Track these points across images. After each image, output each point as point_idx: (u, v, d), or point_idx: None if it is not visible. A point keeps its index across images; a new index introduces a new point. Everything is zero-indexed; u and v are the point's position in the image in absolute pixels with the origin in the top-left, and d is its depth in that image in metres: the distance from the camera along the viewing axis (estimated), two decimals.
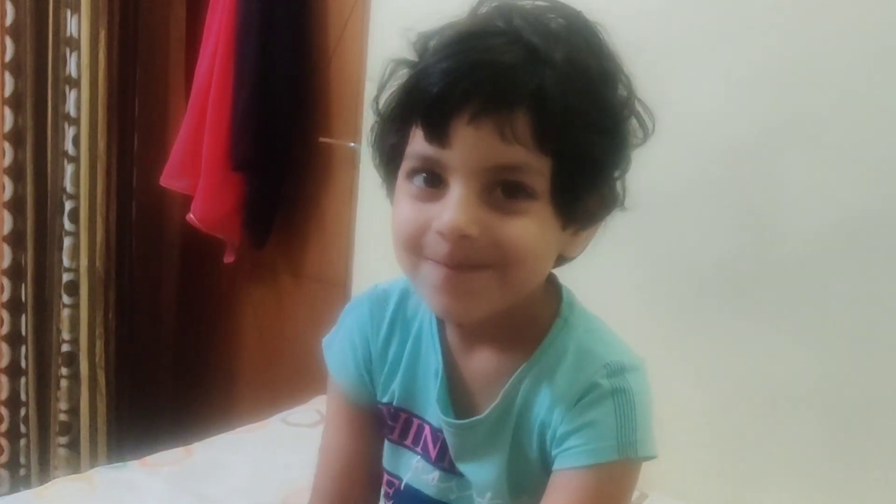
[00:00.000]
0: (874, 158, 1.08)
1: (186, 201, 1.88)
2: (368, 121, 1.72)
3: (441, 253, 0.61)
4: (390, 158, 0.67)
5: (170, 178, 1.89)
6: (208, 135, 1.81)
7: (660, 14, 1.22)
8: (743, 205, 1.20)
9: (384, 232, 1.80)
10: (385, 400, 0.75)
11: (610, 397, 0.64)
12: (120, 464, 1.27)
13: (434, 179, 0.61)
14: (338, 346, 0.78)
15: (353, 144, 1.75)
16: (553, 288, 0.71)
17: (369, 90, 1.56)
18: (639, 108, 0.65)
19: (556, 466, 0.66)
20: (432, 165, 0.61)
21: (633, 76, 0.64)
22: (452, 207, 0.59)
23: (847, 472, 1.14)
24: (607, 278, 1.20)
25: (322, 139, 1.81)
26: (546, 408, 0.66)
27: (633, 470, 0.66)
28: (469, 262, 0.61)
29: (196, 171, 1.84)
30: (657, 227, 1.26)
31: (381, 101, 0.66)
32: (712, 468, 1.25)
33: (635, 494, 1.22)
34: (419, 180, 0.62)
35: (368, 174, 1.63)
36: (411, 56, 0.64)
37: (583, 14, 0.63)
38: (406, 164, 0.63)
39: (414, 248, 0.63)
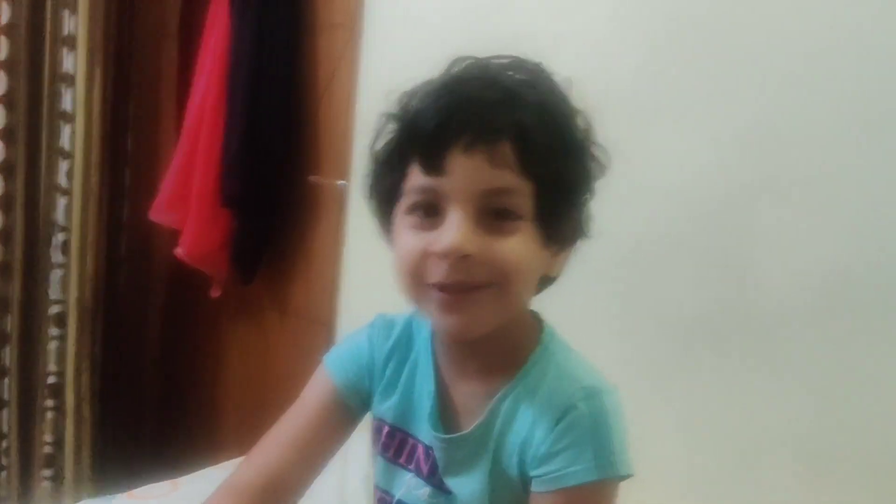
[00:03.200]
0: (846, 216, 1.12)
1: (174, 236, 1.91)
2: (358, 160, 1.78)
3: (442, 275, 0.67)
4: (388, 199, 0.73)
5: (159, 213, 1.92)
6: (198, 171, 1.85)
7: (642, 76, 1.28)
8: (722, 258, 1.24)
9: (371, 271, 1.83)
10: (380, 417, 0.81)
11: (586, 420, 0.69)
12: (107, 496, 1.28)
13: (431, 209, 0.68)
14: (342, 351, 0.84)
15: (341, 183, 1.79)
16: (536, 320, 0.78)
17: (360, 129, 1.63)
18: (596, 145, 0.73)
19: (535, 489, 0.70)
20: (430, 196, 0.68)
21: (589, 116, 0.73)
22: (451, 230, 0.66)
23: None
24: (591, 326, 1.23)
25: (311, 178, 1.85)
26: (527, 428, 0.71)
27: (611, 489, 0.70)
28: (468, 281, 0.67)
29: (185, 206, 1.87)
30: (639, 279, 1.30)
31: (376, 149, 0.74)
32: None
33: None
34: (418, 212, 0.69)
35: (357, 213, 1.68)
36: (396, 110, 0.72)
37: (542, 65, 0.73)
38: (406, 200, 0.70)
39: (416, 274, 0.69)
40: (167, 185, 1.91)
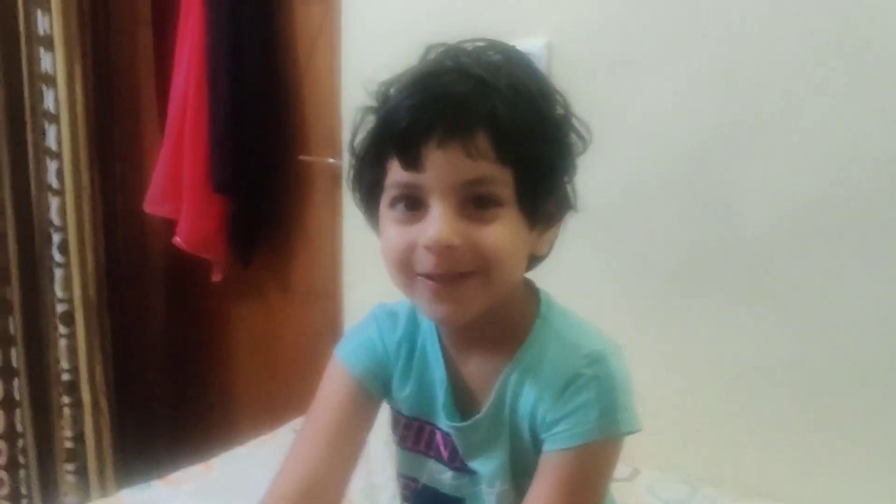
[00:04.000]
0: (821, 150, 1.18)
1: (170, 225, 1.92)
2: (346, 137, 1.79)
3: (430, 266, 0.68)
4: (371, 193, 0.75)
5: (153, 204, 1.92)
6: (187, 159, 1.85)
7: (620, 27, 1.31)
8: (704, 197, 1.29)
9: (371, 242, 1.88)
10: (396, 408, 0.83)
11: (592, 383, 0.71)
12: (144, 485, 1.32)
13: (414, 203, 0.69)
14: (355, 344, 0.84)
15: (332, 160, 1.81)
16: (531, 291, 0.80)
17: (346, 106, 1.64)
18: (575, 121, 0.74)
19: (544, 449, 0.74)
20: (411, 190, 0.69)
21: (566, 94, 0.74)
22: (435, 223, 0.67)
23: (818, 438, 1.24)
24: (580, 273, 1.27)
25: (301, 157, 1.87)
26: (533, 399, 0.74)
27: (614, 446, 0.73)
28: (455, 270, 0.68)
29: (178, 195, 1.87)
30: (625, 223, 1.35)
31: (357, 145, 0.75)
32: (694, 441, 1.35)
33: (628, 471, 1.34)
34: (401, 206, 0.70)
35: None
36: (375, 103, 0.73)
37: (516, 48, 0.73)
38: (388, 195, 0.72)
39: (405, 267, 0.70)
40: (158, 175, 1.91)
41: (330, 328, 1.88)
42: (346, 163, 1.66)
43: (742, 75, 1.23)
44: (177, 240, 1.88)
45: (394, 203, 0.71)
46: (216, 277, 1.98)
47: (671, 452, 1.34)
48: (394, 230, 0.71)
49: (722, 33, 1.24)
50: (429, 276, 0.69)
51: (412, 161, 0.68)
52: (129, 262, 2.08)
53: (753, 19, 1.22)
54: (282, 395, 1.98)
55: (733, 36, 1.24)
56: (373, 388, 0.82)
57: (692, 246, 1.31)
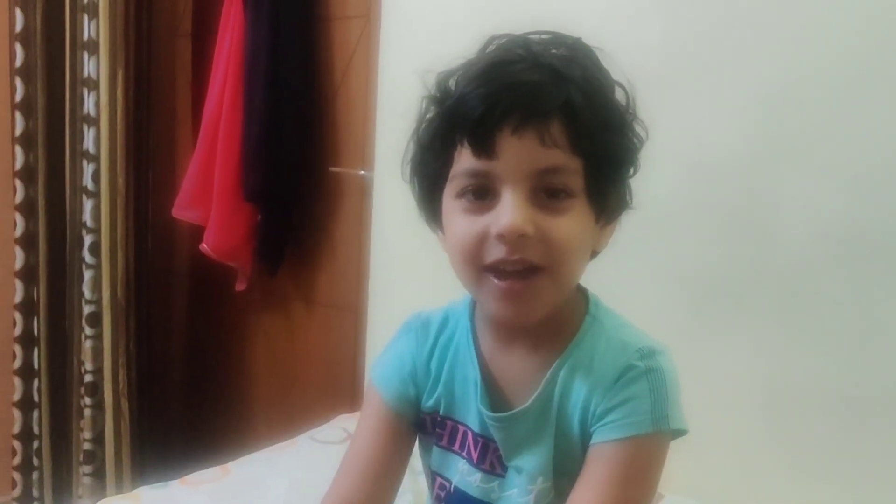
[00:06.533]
0: (855, 172, 1.18)
1: (197, 231, 1.94)
2: (379, 150, 1.80)
3: (501, 254, 0.68)
4: (433, 184, 0.74)
5: (181, 210, 1.95)
6: (219, 166, 1.87)
7: (664, 45, 1.33)
8: (740, 217, 1.29)
9: (397, 257, 1.87)
10: (430, 408, 0.82)
11: (644, 376, 0.71)
12: (162, 483, 1.31)
13: (483, 192, 0.69)
14: (385, 363, 0.85)
15: (362, 172, 1.82)
16: (580, 291, 0.79)
17: (380, 120, 1.66)
18: (637, 115, 0.75)
19: (594, 440, 0.72)
20: (482, 178, 0.69)
21: (629, 87, 0.74)
22: (508, 210, 0.67)
23: (849, 464, 1.22)
24: (613, 285, 1.28)
25: (332, 168, 1.89)
26: (585, 392, 0.73)
27: (664, 443, 0.72)
28: (526, 261, 0.68)
29: (207, 202, 1.90)
30: (659, 240, 1.34)
31: (419, 134, 0.74)
32: (720, 464, 1.33)
33: None
34: (469, 195, 0.70)
35: (380, 201, 1.72)
36: (437, 93, 0.72)
37: (581, 40, 0.73)
38: (454, 185, 0.71)
39: (474, 259, 0.69)
40: (188, 182, 1.94)
41: (351, 342, 1.88)
42: (377, 172, 1.70)
43: (780, 96, 1.24)
44: (204, 246, 1.90)
45: (462, 192, 0.70)
46: (241, 287, 1.99)
47: (696, 476, 1.31)
48: (462, 220, 0.70)
49: (761, 54, 1.25)
50: (499, 270, 0.68)
51: (485, 148, 0.67)
52: (155, 267, 2.09)
53: (792, 41, 1.23)
54: (298, 405, 1.97)
55: (772, 56, 1.25)
56: (406, 412, 0.82)
57: (726, 265, 1.30)
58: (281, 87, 1.84)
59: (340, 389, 1.90)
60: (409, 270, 1.59)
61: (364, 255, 1.79)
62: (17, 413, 2.00)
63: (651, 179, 1.33)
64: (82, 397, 1.93)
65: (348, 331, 1.88)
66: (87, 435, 1.94)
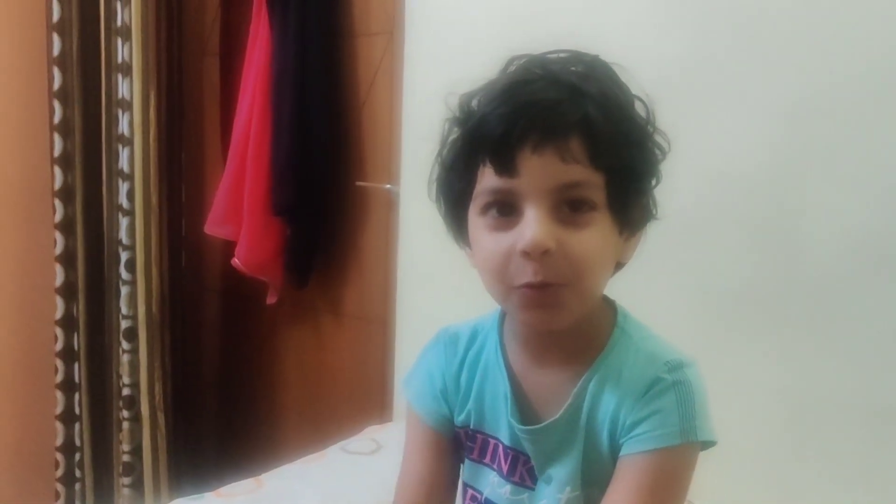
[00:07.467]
0: (884, 183, 1.17)
1: (229, 247, 1.98)
2: (405, 164, 1.82)
3: (528, 277, 0.69)
4: (459, 203, 0.76)
5: (214, 226, 1.99)
6: (249, 183, 1.91)
7: (691, 57, 1.33)
8: (769, 227, 1.28)
9: (425, 268, 1.88)
10: (461, 422, 0.84)
11: (672, 389, 0.73)
12: (197, 495, 1.34)
13: (506, 209, 0.71)
14: (417, 381, 0.87)
15: (388, 186, 1.85)
16: (606, 302, 0.81)
17: (405, 134, 1.69)
18: (658, 128, 0.76)
19: (623, 452, 0.74)
20: (504, 196, 0.71)
21: (649, 100, 0.75)
22: (531, 226, 0.69)
23: (879, 475, 1.20)
24: (640, 296, 1.29)
25: (358, 183, 1.92)
26: (614, 404, 0.75)
27: (693, 454, 0.74)
28: (550, 279, 0.69)
29: (238, 218, 1.94)
30: (686, 251, 1.34)
31: (443, 154, 0.77)
32: (751, 478, 1.31)
33: None
34: (493, 212, 0.72)
35: (407, 214, 1.74)
36: (459, 114, 0.75)
37: (599, 57, 0.75)
38: (478, 202, 0.73)
39: (503, 278, 0.72)
40: (219, 199, 1.98)
41: (380, 353, 1.90)
42: (403, 186, 1.72)
43: (807, 105, 1.23)
44: (235, 261, 1.94)
45: (485, 209, 0.72)
46: (271, 300, 2.03)
47: (725, 486, 1.30)
48: (488, 238, 0.72)
49: (787, 63, 1.25)
50: (526, 286, 0.70)
51: (506, 167, 0.69)
52: (188, 282, 2.14)
53: (820, 50, 1.22)
54: (329, 417, 2.00)
55: (799, 66, 1.24)
56: (444, 429, 0.85)
57: (754, 276, 1.30)
58: (308, 103, 1.87)
59: (370, 400, 1.92)
60: (436, 281, 1.61)
61: (391, 267, 1.81)
62: (59, 426, 2.06)
63: (678, 190, 1.33)
64: (121, 410, 1.99)
65: (377, 342, 1.91)
66: (125, 447, 1.99)
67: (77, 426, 2.07)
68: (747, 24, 1.28)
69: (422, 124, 1.68)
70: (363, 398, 1.95)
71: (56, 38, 1.93)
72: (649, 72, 0.75)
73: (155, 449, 1.97)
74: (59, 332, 2.03)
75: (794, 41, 1.24)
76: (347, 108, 1.92)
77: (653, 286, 1.34)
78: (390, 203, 1.84)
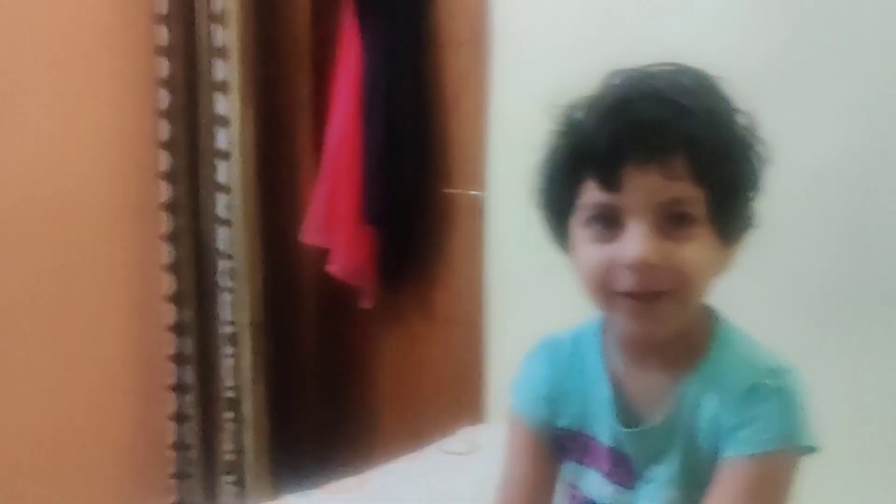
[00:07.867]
0: None
1: (321, 253, 2.06)
2: (492, 170, 1.85)
3: (630, 285, 0.72)
4: (562, 213, 0.79)
5: (310, 235, 2.07)
6: (342, 193, 1.99)
7: (779, 55, 1.31)
8: (863, 227, 1.26)
9: (513, 272, 1.89)
10: (565, 426, 0.86)
11: (774, 395, 0.74)
12: (306, 492, 1.41)
13: (609, 222, 0.73)
14: (521, 387, 0.90)
15: (475, 193, 1.88)
16: (706, 309, 0.82)
17: (494, 141, 1.72)
18: (760, 140, 0.76)
19: (724, 455, 0.75)
20: (607, 210, 0.73)
21: (750, 113, 0.76)
22: (635, 242, 0.71)
23: None
24: (736, 305, 1.28)
25: (446, 190, 1.96)
26: (715, 408, 0.76)
27: (794, 460, 0.74)
28: (653, 289, 0.72)
29: (332, 226, 2.02)
30: (783, 253, 1.32)
31: (547, 166, 0.80)
32: (855, 484, 1.28)
33: None
34: (597, 225, 0.74)
35: (496, 220, 1.78)
36: (561, 126, 0.77)
37: (703, 70, 0.76)
38: (582, 214, 0.76)
39: (603, 286, 0.74)
40: (314, 208, 2.06)
41: (472, 356, 1.93)
42: (489, 195, 1.75)
43: (889, 101, 1.20)
44: (331, 268, 2.02)
45: (589, 222, 0.75)
46: (366, 304, 2.09)
47: (829, 492, 1.27)
48: (590, 249, 0.75)
49: (884, 58, 1.22)
50: (628, 295, 0.72)
51: (611, 183, 0.71)
52: (285, 289, 2.23)
53: None
54: (424, 418, 2.04)
55: (882, 62, 1.20)
56: (548, 435, 0.86)
57: (850, 277, 1.27)
58: (396, 113, 1.93)
59: (463, 401, 1.96)
60: (524, 285, 1.64)
61: (480, 272, 1.84)
62: (172, 426, 2.18)
63: (771, 190, 1.32)
64: (225, 412, 2.10)
65: (468, 345, 1.94)
66: (228, 447, 2.09)
67: (188, 426, 2.19)
68: (842, 17, 1.26)
69: (509, 132, 1.72)
70: (456, 399, 1.99)
71: (163, 61, 2.05)
72: (740, 71, 0.76)
73: (257, 449, 2.06)
74: (172, 337, 2.15)
75: (886, 36, 1.21)
76: (435, 117, 1.96)
77: (749, 289, 1.32)
78: (477, 209, 1.87)
